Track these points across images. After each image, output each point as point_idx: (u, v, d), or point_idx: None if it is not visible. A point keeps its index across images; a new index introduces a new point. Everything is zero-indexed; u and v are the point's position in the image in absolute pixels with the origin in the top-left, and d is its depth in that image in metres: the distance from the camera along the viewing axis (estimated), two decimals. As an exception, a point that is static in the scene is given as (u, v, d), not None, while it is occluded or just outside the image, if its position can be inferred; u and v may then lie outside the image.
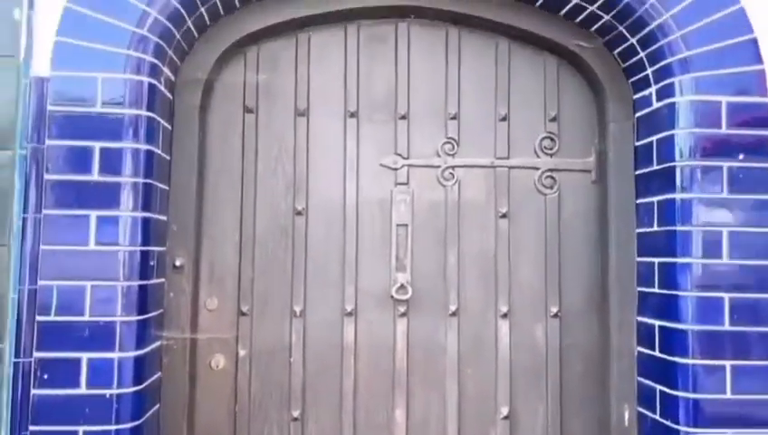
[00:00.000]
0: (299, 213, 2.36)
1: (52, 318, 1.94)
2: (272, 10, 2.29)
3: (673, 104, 2.14)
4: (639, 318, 2.28)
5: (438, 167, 2.40)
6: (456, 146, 2.41)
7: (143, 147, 2.01)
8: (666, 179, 2.16)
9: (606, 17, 2.24)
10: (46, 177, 1.97)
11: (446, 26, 2.42)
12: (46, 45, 1.97)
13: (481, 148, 2.42)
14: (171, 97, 2.22)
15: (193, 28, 2.18)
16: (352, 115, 2.39)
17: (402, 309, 2.37)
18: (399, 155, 2.40)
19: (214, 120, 2.35)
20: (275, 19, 2.30)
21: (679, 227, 2.11)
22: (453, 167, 2.40)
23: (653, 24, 2.14)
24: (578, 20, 2.32)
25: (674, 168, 2.12)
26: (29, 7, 1.99)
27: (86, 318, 1.95)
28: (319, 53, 2.40)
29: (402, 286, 2.35)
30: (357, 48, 2.40)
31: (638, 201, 2.32)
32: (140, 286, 2.01)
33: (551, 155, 2.43)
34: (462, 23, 2.41)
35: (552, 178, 2.42)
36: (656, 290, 2.19)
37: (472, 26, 2.41)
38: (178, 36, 2.12)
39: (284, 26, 2.34)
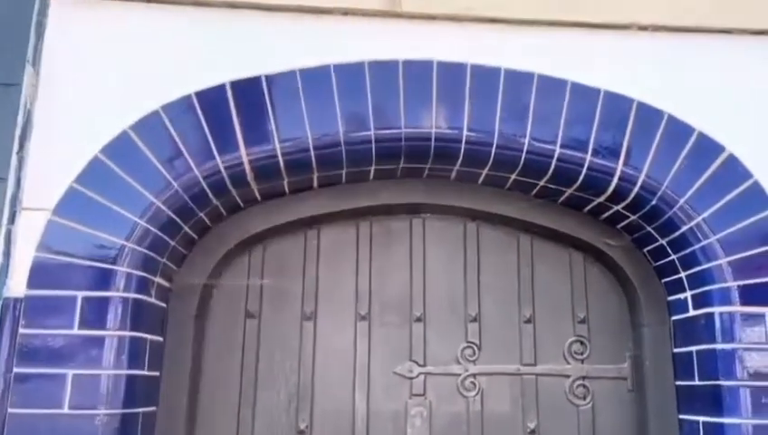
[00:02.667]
0: (301, 432, 2.09)
1: None
2: (278, 209, 2.15)
3: (711, 315, 1.96)
4: None
5: (458, 375, 2.16)
6: (477, 351, 2.19)
7: (124, 372, 1.77)
8: (711, 400, 1.92)
9: (632, 217, 2.12)
10: (10, 410, 1.71)
11: (463, 221, 2.29)
12: (24, 263, 1.78)
13: (505, 353, 2.19)
14: (165, 305, 2.02)
15: (191, 232, 2.03)
16: (363, 318, 2.19)
17: None
18: (415, 362, 2.17)
19: (211, 327, 2.13)
20: (282, 219, 2.15)
21: (734, 458, 1.87)
22: (474, 375, 2.17)
23: (684, 228, 2.00)
24: (603, 217, 2.21)
25: (719, 388, 1.90)
26: (9, 222, 1.83)
27: None
28: (328, 251, 2.24)
29: None
30: (369, 246, 2.24)
31: (681, 416, 2.07)
32: None
33: (581, 361, 2.20)
34: (480, 218, 2.29)
35: (585, 386, 2.18)
36: None
37: (491, 222, 2.29)
38: (173, 243, 1.95)
39: (292, 225, 2.21)
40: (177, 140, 1.90)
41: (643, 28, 2.10)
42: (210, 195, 1.95)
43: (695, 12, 2.08)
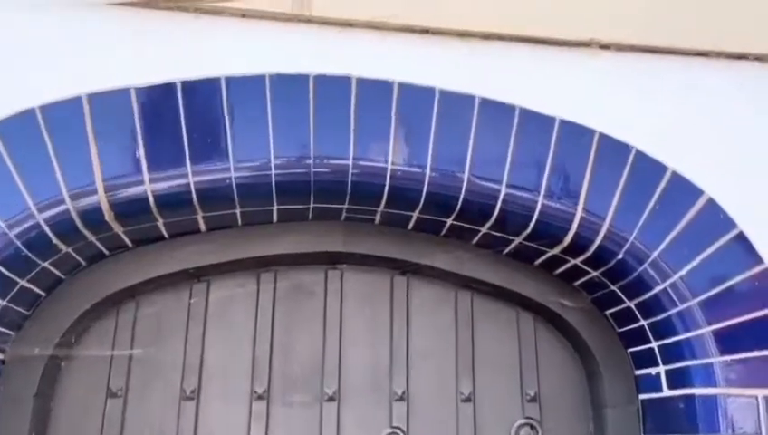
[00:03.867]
0: None
1: None
2: (155, 258, 1.70)
3: (691, 398, 1.58)
4: None
5: (380, 470, 1.74)
6: (404, 438, 1.78)
7: None
8: (698, 505, 1.55)
9: (593, 273, 1.75)
10: None
11: (390, 274, 1.87)
12: None
13: (439, 441, 1.79)
14: (-7, 383, 1.55)
15: (34, 287, 1.56)
16: (260, 397, 1.72)
17: None
18: (326, 453, 1.74)
19: (59, 411, 1.64)
20: (160, 269, 1.70)
21: None
22: (400, 469, 1.75)
23: (656, 288, 1.63)
24: (557, 272, 1.84)
25: (707, 492, 1.53)
26: None
27: None
28: (218, 310, 1.78)
29: None
30: (271, 304, 1.80)
31: None
32: None
33: (532, 450, 1.81)
34: (411, 270, 1.87)
35: (536, 482, 1.78)
36: None
37: (424, 275, 1.88)
38: (4, 302, 1.49)
39: (172, 278, 1.75)
40: (9, 165, 1.46)
41: (605, 47, 1.75)
42: (54, 239, 1.50)
43: (665, 30, 1.76)
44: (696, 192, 1.66)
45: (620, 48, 1.76)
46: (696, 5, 1.76)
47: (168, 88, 1.55)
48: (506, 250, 1.80)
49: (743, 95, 1.78)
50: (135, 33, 1.58)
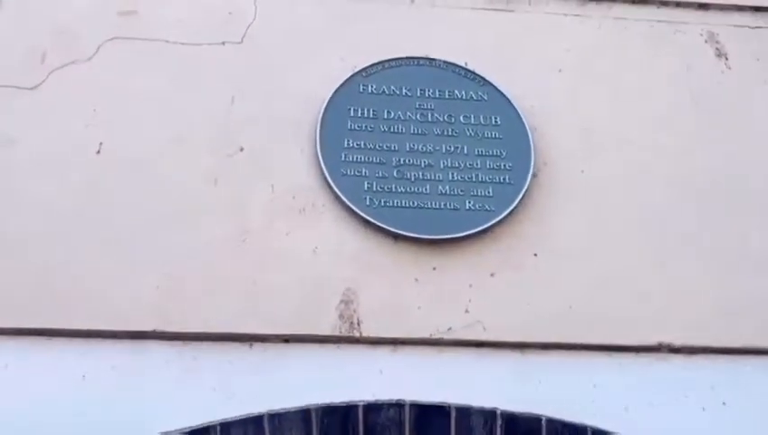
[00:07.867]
0: None
1: None
2: None
3: None
4: None
5: None
6: None
7: None
8: None
9: None
10: None
11: None
12: None
13: None
14: None
15: None
16: None
17: None
18: None
19: None
20: None
21: None
22: None
23: None
24: None
25: None
26: None
27: None
28: None
29: None
30: None
31: None
32: None
33: None
34: None
35: None
36: None
37: None
38: None
39: None
40: None
41: (675, 350, 1.62)
42: None
43: (739, 329, 1.63)
44: None
45: (693, 351, 1.63)
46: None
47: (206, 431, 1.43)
48: None
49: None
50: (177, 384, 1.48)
